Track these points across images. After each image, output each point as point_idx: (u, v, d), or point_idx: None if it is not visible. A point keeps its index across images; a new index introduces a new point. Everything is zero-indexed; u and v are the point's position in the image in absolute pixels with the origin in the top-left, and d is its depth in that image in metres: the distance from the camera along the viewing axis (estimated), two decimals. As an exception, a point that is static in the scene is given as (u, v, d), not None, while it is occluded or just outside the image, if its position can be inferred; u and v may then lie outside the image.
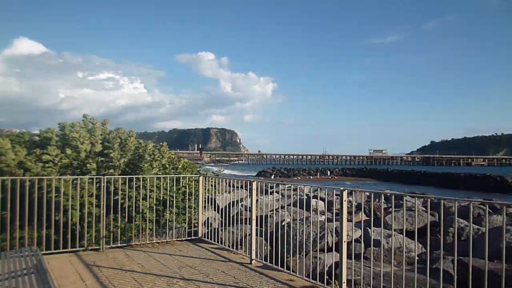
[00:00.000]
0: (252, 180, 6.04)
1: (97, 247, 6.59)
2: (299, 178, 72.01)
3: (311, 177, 74.21)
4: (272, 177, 70.44)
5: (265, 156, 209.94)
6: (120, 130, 9.91)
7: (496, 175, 53.19)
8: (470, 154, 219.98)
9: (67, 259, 6.02)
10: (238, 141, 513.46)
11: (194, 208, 8.17)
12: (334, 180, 67.30)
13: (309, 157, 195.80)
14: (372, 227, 7.47)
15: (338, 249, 4.57)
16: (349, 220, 7.83)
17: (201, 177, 7.74)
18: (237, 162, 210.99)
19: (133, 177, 7.23)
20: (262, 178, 68.88)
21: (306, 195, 12.58)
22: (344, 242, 4.32)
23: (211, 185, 7.81)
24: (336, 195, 9.05)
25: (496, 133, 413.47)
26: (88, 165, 8.05)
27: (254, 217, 5.89)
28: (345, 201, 4.27)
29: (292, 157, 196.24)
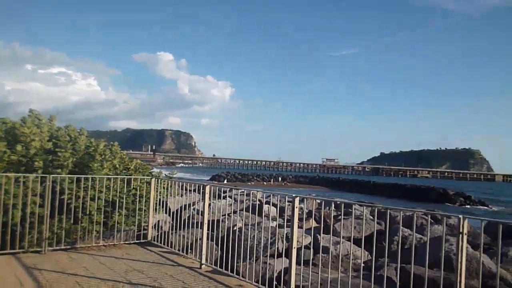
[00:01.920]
0: (205, 184, 6.00)
1: (39, 249, 6.28)
2: (253, 183, 72.33)
3: (265, 183, 74.80)
4: (225, 181, 70.32)
5: (219, 160, 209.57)
6: (69, 127, 9.55)
7: (439, 188, 56.06)
8: (416, 166, 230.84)
9: (5, 261, 5.71)
10: (193, 144, 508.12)
11: (145, 210, 7.99)
12: (287, 187, 68.16)
13: (264, 163, 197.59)
14: (322, 234, 7.62)
15: (288, 255, 4.63)
16: (300, 227, 7.96)
17: (153, 179, 7.59)
18: (191, 165, 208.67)
19: (81, 177, 6.97)
20: (215, 182, 68.70)
21: (259, 200, 12.65)
22: (294, 248, 4.38)
23: (163, 188, 7.66)
24: (288, 201, 9.20)
25: (440, 148, 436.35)
26: (36, 163, 7.70)
27: (206, 221, 5.85)
28: (296, 207, 4.34)
29: (247, 162, 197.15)
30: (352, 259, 6.98)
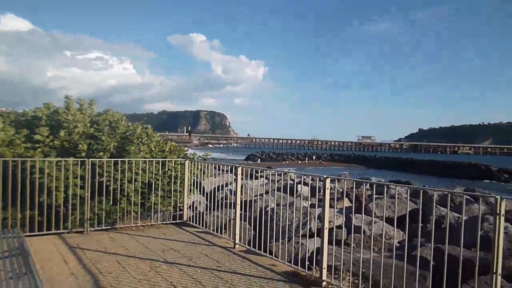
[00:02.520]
0: (237, 165, 6.07)
1: (82, 229, 6.59)
2: (288, 162, 72.34)
3: (300, 161, 74.62)
4: (259, 161, 70.68)
5: (254, 140, 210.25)
6: (109, 112, 9.85)
7: (481, 164, 54.11)
8: (456, 143, 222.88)
9: (51, 241, 6.02)
10: (228, 124, 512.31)
11: (180, 191, 8.19)
12: (322, 166, 67.76)
13: (298, 142, 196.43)
14: (354, 214, 7.57)
15: (320, 235, 4.65)
16: (332, 207, 7.95)
17: (187, 161, 7.74)
18: (226, 145, 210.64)
19: (118, 160, 7.21)
20: (250, 162, 69.21)
21: (292, 180, 12.67)
22: (326, 228, 4.39)
23: (198, 169, 7.80)
24: (320, 181, 9.13)
25: (482, 122, 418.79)
26: (80, 146, 8.01)
27: (238, 202, 5.93)
28: (327, 188, 4.33)
29: (281, 141, 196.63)
30: (385, 239, 6.93)
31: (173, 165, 8.12)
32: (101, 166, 7.28)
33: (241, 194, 6.07)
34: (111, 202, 7.31)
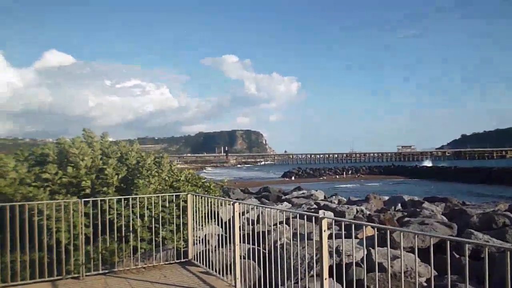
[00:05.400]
0: (234, 201, 5.46)
1: (77, 274, 6.13)
2: (325, 178, 70.77)
3: (337, 176, 72.82)
4: (293, 178, 69.54)
5: (291, 156, 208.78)
6: (121, 143, 9.58)
7: (532, 168, 50.67)
8: (503, 146, 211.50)
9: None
10: (264, 142, 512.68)
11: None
12: (361, 179, 65.77)
13: (336, 156, 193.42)
14: (376, 248, 6.64)
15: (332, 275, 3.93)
16: (355, 237, 7.11)
17: (189, 195, 7.18)
18: (263, 163, 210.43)
19: (122, 198, 6.83)
20: (287, 179, 68.22)
21: (316, 203, 11.86)
22: (326, 279, 3.67)
23: (201, 204, 7.18)
24: (348, 204, 8.28)
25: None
26: (83, 183, 7.70)
27: (237, 242, 5.30)
28: (324, 231, 3.62)
29: (318, 156, 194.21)
30: (411, 277, 6.01)
31: (179, 199, 7.60)
32: (108, 202, 6.87)
33: (241, 230, 5.42)
34: (117, 240, 6.87)
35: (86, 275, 6.15)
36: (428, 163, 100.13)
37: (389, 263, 5.71)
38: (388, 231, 3.74)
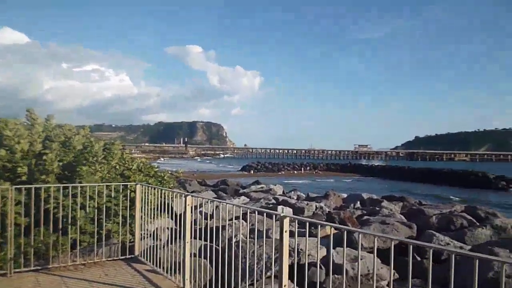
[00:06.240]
0: (186, 194, 4.93)
1: (4, 271, 5.39)
2: (283, 173, 71.11)
3: (296, 172, 73.39)
4: (252, 172, 69.38)
5: (251, 150, 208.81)
6: (66, 126, 8.78)
7: (478, 171, 53.05)
8: (453, 150, 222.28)
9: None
10: (224, 134, 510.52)
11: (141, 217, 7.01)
12: (319, 175, 66.59)
13: (295, 151, 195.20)
14: (333, 248, 6.31)
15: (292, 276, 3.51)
16: (315, 235, 6.79)
17: (138, 186, 6.55)
18: (223, 156, 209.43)
19: (60, 186, 6.09)
20: (246, 172, 67.92)
21: (275, 198, 11.50)
22: (285, 286, 3.24)
23: (152, 195, 6.56)
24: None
25: (478, 129, 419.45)
26: (19, 169, 6.92)
27: (188, 239, 4.79)
28: (285, 231, 3.19)
29: (278, 151, 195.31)
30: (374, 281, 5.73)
31: (129, 188, 6.95)
32: (46, 191, 6.11)
33: (192, 226, 4.91)
34: (55, 232, 6.14)
35: (14, 272, 5.42)
36: (380, 163, 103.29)
37: (349, 265, 5.39)
38: (345, 232, 3.35)
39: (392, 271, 3.10)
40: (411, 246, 2.63)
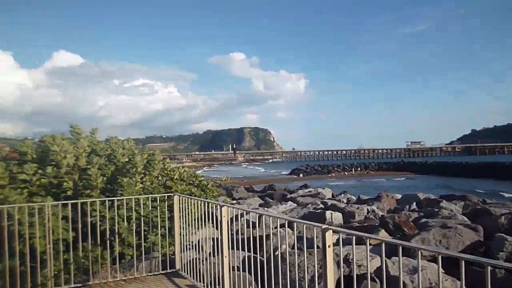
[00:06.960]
0: (222, 204, 4.59)
1: (43, 290, 5.30)
2: (334, 175, 69.71)
3: (346, 173, 71.71)
4: (300, 175, 68.50)
5: (299, 153, 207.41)
6: (112, 139, 8.83)
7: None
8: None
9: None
10: (272, 139, 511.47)
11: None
12: (370, 176, 64.68)
13: (344, 152, 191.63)
14: (385, 257, 5.70)
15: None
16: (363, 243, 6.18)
17: (176, 196, 6.30)
18: (272, 160, 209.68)
19: (104, 200, 5.99)
20: (295, 176, 67.25)
21: (323, 203, 10.94)
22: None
23: (193, 205, 6.28)
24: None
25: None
26: (64, 183, 6.95)
27: (226, 253, 4.44)
28: (329, 247, 2.74)
29: (326, 153, 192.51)
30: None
31: (171, 199, 6.76)
32: (91, 205, 6.03)
33: (229, 238, 4.56)
34: (100, 245, 6.05)
35: (55, 289, 5.32)
36: (437, 159, 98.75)
37: (408, 277, 4.84)
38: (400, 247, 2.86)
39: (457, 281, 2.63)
40: (463, 262, 2.12)
